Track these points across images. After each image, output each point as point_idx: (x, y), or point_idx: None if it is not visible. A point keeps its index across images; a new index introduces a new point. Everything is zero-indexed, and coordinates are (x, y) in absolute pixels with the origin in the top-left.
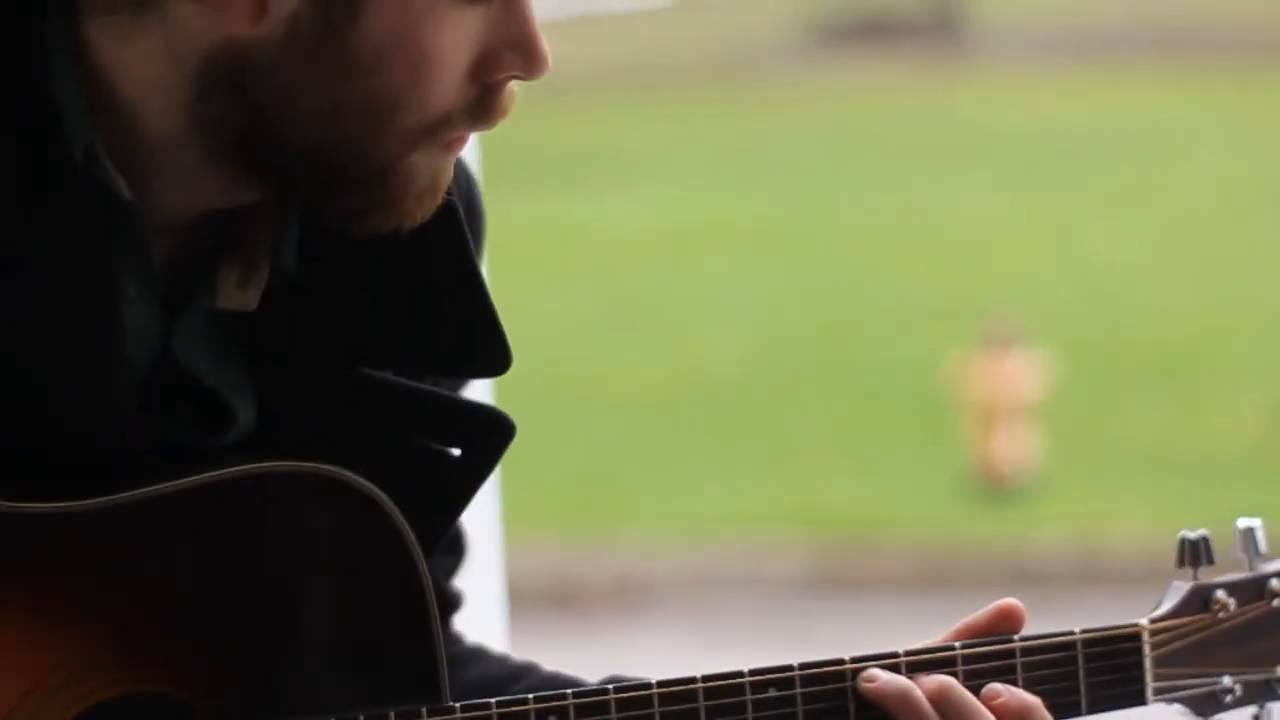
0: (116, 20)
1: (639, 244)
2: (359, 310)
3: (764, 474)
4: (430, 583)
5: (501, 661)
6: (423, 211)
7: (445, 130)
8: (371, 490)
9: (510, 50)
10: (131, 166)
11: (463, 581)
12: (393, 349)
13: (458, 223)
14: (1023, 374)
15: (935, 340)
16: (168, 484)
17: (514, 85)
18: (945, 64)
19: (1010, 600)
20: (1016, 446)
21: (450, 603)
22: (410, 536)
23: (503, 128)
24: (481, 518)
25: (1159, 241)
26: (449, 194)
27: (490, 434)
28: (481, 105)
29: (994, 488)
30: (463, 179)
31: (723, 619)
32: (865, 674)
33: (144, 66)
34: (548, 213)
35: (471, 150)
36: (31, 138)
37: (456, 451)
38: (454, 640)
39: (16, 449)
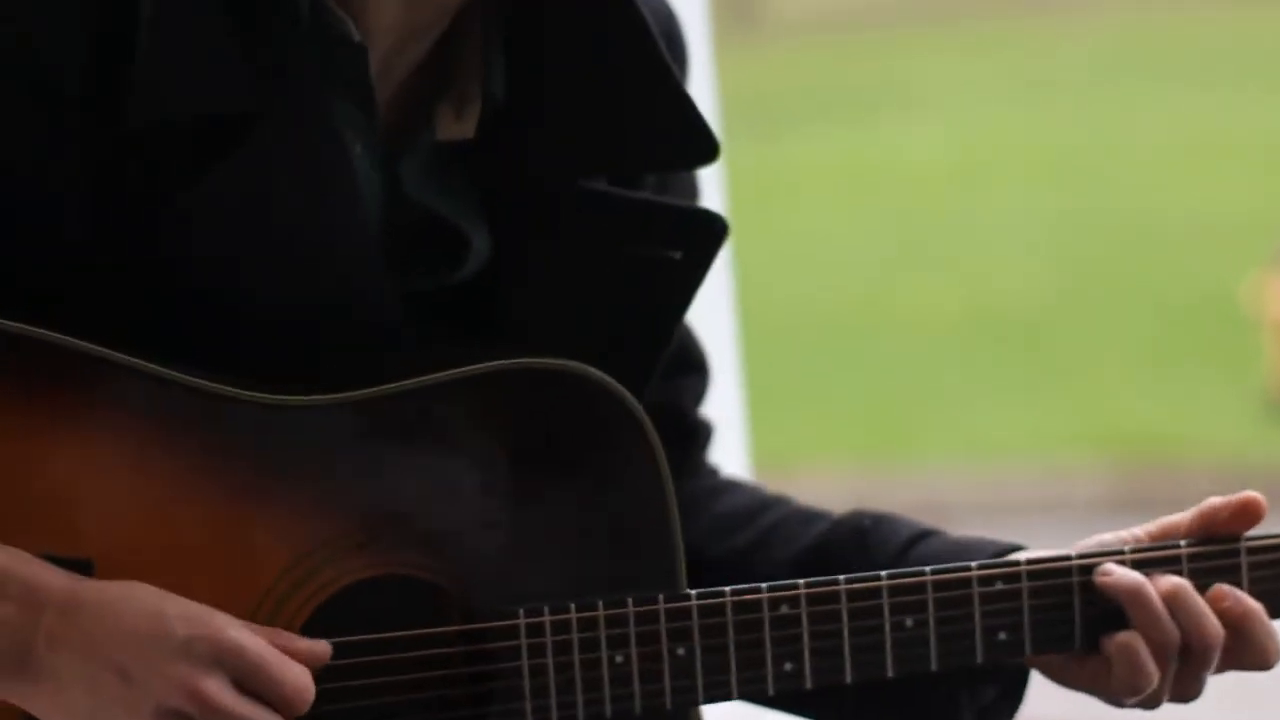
0: None
1: (932, 173)
2: (567, 125)
3: (1061, 398)
4: (669, 474)
5: (752, 493)
6: None
7: None
8: (608, 382)
9: None
10: (351, 10)
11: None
12: (603, 157)
13: (644, 26)
14: None
15: (1231, 260)
16: (416, 379)
17: None
18: None
19: (1254, 494)
20: None
21: (700, 432)
22: (649, 425)
23: (797, 64)
24: (730, 455)
25: None
26: (633, 3)
27: (706, 234)
28: None
29: None
30: (662, 11)
31: (1022, 541)
32: (1101, 568)
33: None
34: (842, 145)
35: (759, 84)
36: None
37: (675, 255)
38: (707, 471)
39: (258, 325)
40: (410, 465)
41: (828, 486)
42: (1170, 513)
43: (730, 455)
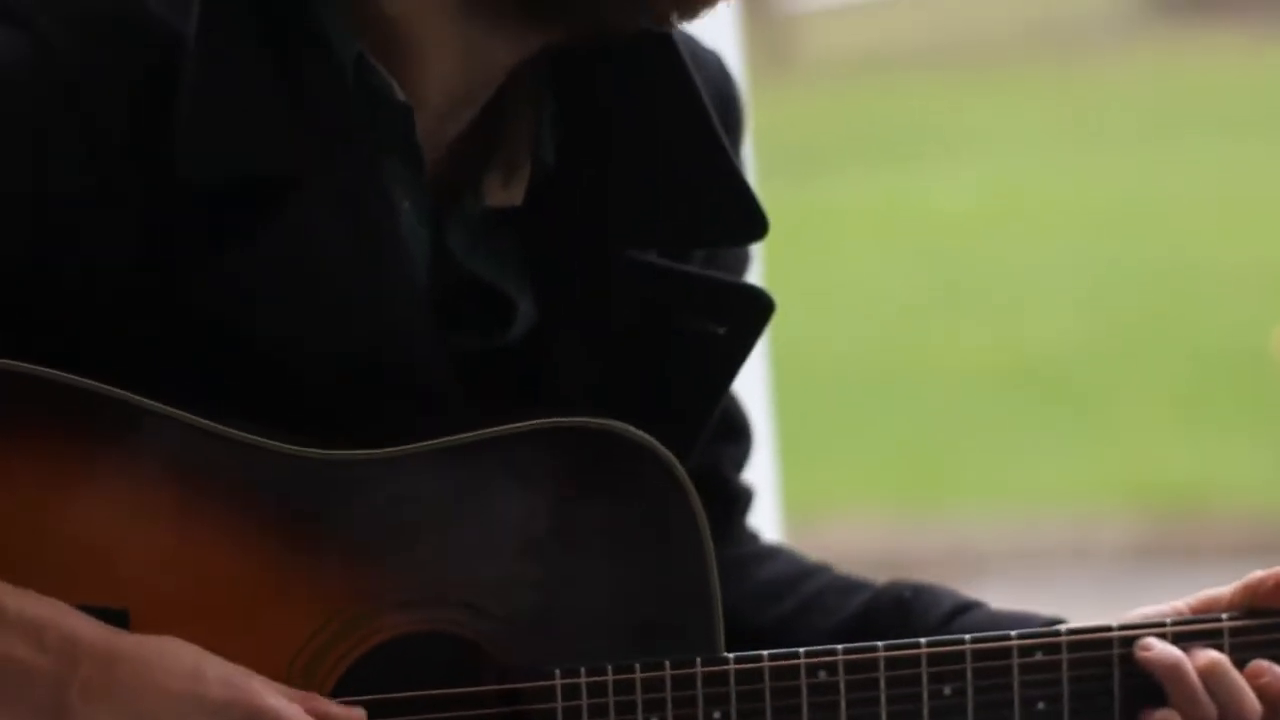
0: None
1: (967, 219)
2: (615, 197)
3: (1093, 446)
4: (710, 537)
5: (792, 560)
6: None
7: None
8: (651, 443)
9: None
10: (399, 77)
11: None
12: (650, 230)
13: (698, 100)
14: None
15: (1263, 311)
16: (459, 436)
17: None
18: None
19: None
20: None
21: (740, 498)
22: (690, 486)
23: (832, 106)
24: (762, 501)
25: None
26: (687, 73)
27: (751, 310)
28: None
29: None
30: (717, 72)
31: (1055, 590)
32: (1142, 642)
33: None
34: (877, 189)
35: (794, 126)
36: (299, 58)
37: (719, 330)
38: (747, 537)
39: (302, 381)
40: (450, 521)
41: (859, 532)
42: (1200, 562)
43: (762, 500)
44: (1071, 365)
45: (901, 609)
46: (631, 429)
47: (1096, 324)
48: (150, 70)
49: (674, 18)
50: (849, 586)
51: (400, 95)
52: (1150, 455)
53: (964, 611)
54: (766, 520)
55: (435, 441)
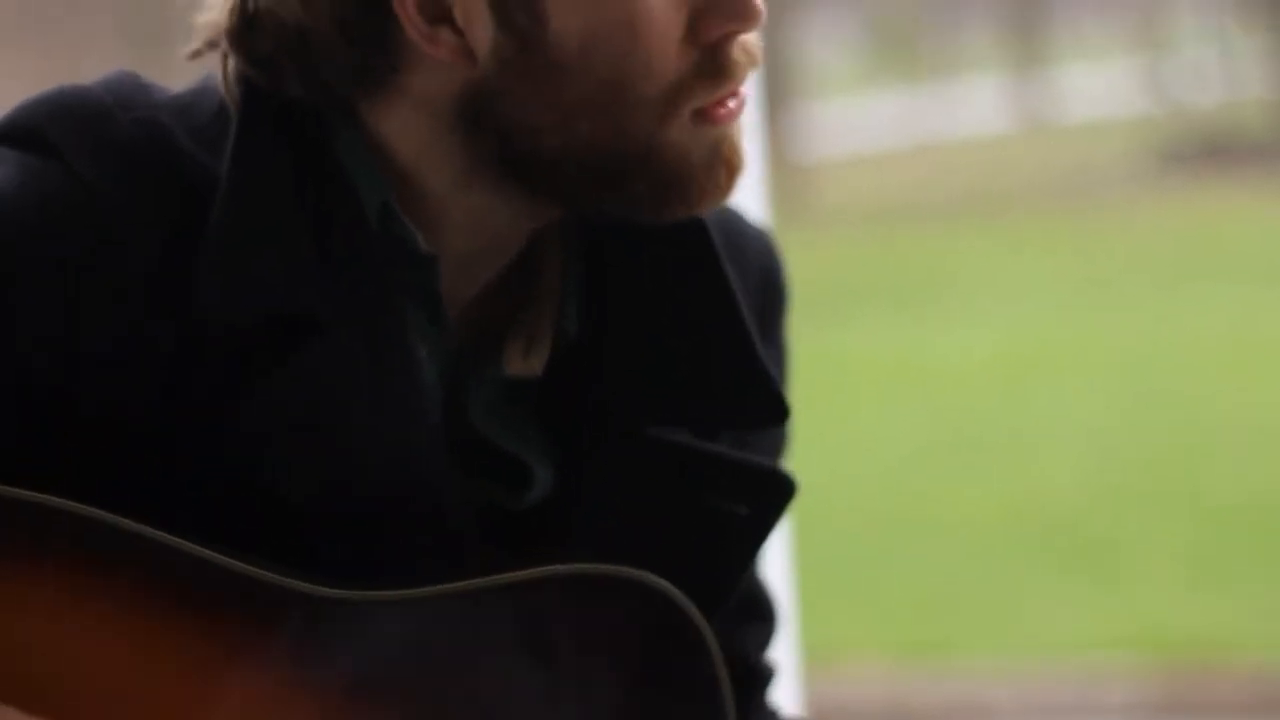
0: (376, 99)
1: (979, 368)
2: (639, 369)
3: (1104, 599)
4: (731, 695)
5: None
6: (718, 189)
7: (684, 99)
8: (672, 592)
9: (717, 6)
10: (422, 226)
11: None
12: (673, 406)
13: (727, 287)
14: None
15: (1277, 463)
16: (472, 581)
17: (751, 40)
18: None
19: None
20: None
21: (761, 675)
22: (712, 640)
23: (848, 253)
24: (779, 651)
25: None
26: (716, 256)
27: (773, 493)
28: (711, 66)
29: None
30: (763, 252)
31: None
32: None
33: (410, 131)
34: (889, 337)
35: (810, 273)
36: (326, 202)
37: (741, 510)
38: (766, 714)
39: (315, 525)
40: (462, 668)
41: (869, 681)
42: (1212, 718)
43: (779, 648)
44: (1083, 517)
45: None
46: (654, 578)
47: (1108, 476)
48: (181, 208)
49: (681, 212)
50: None
51: (423, 245)
52: (1162, 609)
53: None
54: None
55: (449, 586)
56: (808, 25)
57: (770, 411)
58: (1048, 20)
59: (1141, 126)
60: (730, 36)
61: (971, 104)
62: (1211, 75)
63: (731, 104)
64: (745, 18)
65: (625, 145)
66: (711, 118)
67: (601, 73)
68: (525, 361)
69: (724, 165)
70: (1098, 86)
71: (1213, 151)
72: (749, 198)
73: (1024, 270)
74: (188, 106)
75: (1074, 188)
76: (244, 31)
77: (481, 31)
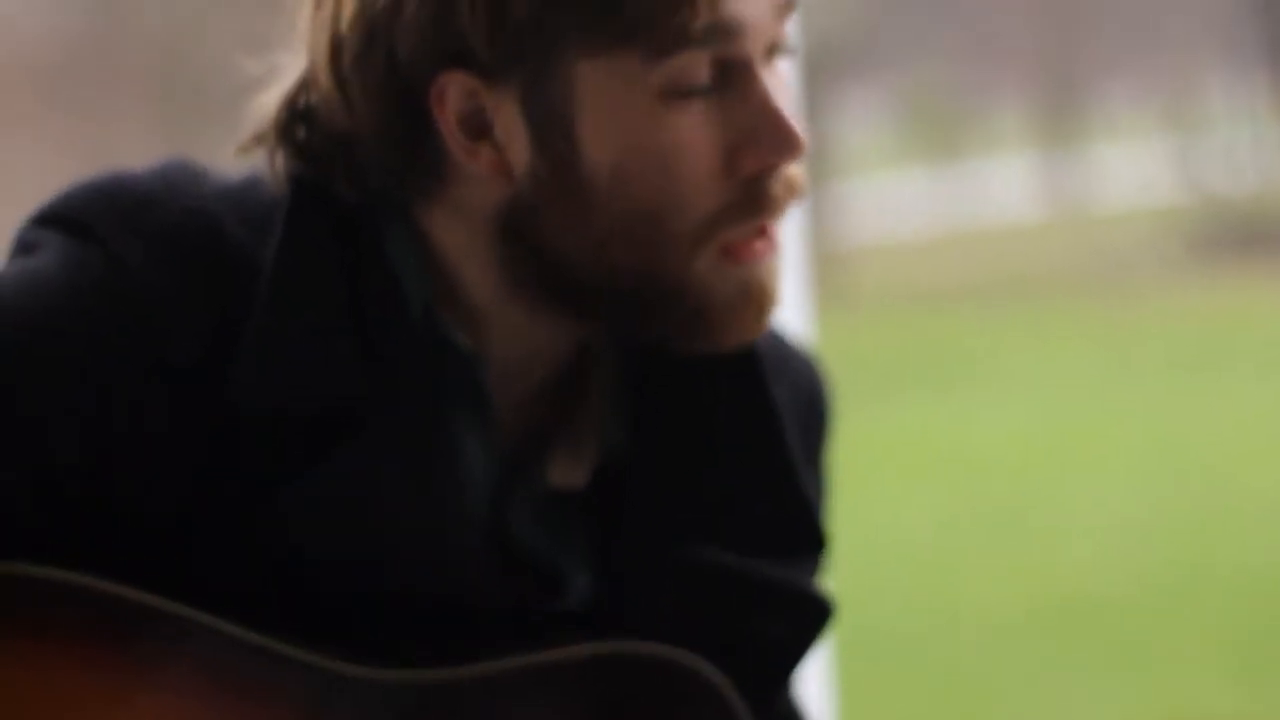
0: (423, 202)
1: (1009, 453)
2: (681, 488)
3: (1136, 688)
4: None
5: None
6: (744, 329)
7: (719, 232)
8: (715, 677)
9: (756, 138)
10: (465, 329)
11: None
12: (713, 526)
13: (769, 404)
14: None
15: None
16: (506, 661)
17: (794, 172)
18: None
19: None
20: None
21: None
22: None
23: (873, 338)
24: None
25: None
26: (764, 376)
27: (812, 615)
28: (750, 201)
29: None
30: (809, 375)
31: None
32: None
33: (454, 237)
34: (914, 422)
35: (844, 356)
36: (370, 296)
37: (778, 630)
38: None
39: (351, 613)
40: None
41: None
42: None
43: None
44: (1113, 604)
45: None
46: (696, 659)
47: (1140, 562)
48: (226, 296)
49: (708, 348)
50: None
51: (467, 345)
52: (1197, 696)
53: None
54: None
55: (483, 665)
56: (841, 106)
57: (808, 541)
58: (1081, 100)
59: (1172, 212)
60: (770, 169)
61: (1004, 183)
62: (1243, 160)
63: (759, 245)
64: (787, 150)
65: (658, 278)
66: (738, 256)
67: (634, 204)
68: (569, 474)
69: (752, 305)
70: (1129, 169)
71: (1244, 239)
72: (792, 284)
73: (1055, 355)
74: (240, 193)
75: (1106, 273)
76: (292, 127)
77: (519, 151)
